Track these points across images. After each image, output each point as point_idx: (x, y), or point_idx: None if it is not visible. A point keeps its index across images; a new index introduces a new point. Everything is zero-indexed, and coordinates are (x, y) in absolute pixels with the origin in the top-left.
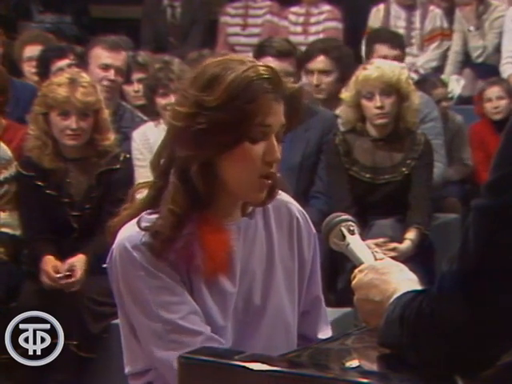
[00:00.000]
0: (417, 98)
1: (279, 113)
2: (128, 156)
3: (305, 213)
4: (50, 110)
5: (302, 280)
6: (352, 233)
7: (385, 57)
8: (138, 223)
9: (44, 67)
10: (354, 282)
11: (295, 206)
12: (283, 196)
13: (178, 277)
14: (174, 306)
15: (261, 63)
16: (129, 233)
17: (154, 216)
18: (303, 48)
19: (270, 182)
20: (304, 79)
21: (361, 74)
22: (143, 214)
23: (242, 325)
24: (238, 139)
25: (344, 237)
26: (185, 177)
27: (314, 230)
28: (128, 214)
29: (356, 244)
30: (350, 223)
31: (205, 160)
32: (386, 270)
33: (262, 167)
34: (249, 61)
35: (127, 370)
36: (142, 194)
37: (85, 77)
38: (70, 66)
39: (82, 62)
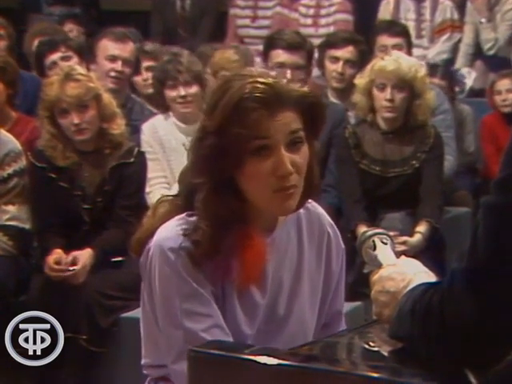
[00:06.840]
0: (431, 96)
1: (279, 125)
2: (142, 150)
3: (335, 227)
4: (51, 112)
5: (327, 294)
6: (384, 244)
7: (385, 46)
8: (179, 225)
9: (39, 62)
10: (374, 277)
11: (327, 220)
12: (317, 208)
13: (210, 287)
14: (199, 317)
15: (257, 79)
16: (168, 234)
17: (194, 219)
18: (313, 40)
19: (288, 193)
20: (314, 70)
21: (377, 63)
22: (183, 215)
23: (262, 334)
24: (240, 160)
25: (375, 247)
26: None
27: (342, 245)
28: (148, 228)
29: (385, 253)
30: (385, 236)
31: (214, 185)
32: (403, 263)
33: (275, 182)
34: (248, 76)
35: (145, 361)
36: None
37: (76, 69)
38: (62, 58)
39: (88, 55)
